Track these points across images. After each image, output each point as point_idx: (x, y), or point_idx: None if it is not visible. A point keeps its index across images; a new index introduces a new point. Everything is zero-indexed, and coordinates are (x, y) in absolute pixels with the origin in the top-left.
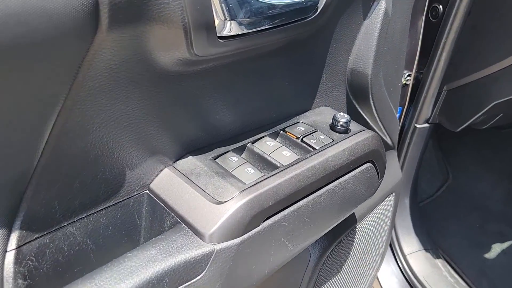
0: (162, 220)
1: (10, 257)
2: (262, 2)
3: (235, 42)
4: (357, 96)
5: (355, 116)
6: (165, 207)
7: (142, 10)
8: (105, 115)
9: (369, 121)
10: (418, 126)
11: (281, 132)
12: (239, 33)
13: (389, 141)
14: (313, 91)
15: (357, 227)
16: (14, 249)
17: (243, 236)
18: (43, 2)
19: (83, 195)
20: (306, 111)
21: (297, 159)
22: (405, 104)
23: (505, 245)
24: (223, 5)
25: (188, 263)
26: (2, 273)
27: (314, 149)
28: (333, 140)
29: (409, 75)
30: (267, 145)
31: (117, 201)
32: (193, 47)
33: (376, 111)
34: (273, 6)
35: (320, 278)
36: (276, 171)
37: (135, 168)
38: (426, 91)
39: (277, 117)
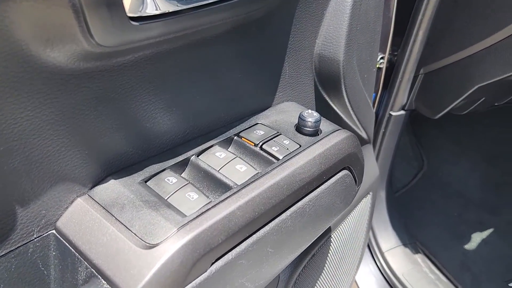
0: (75, 270)
1: None
2: None
3: (158, 25)
4: (327, 87)
5: (325, 110)
6: (77, 254)
7: None
8: None
9: (342, 115)
10: (393, 114)
11: (235, 138)
12: (162, 11)
13: (364, 136)
14: (274, 83)
15: (332, 236)
16: None
17: None
18: None
19: None
20: (266, 109)
21: (255, 175)
22: (378, 90)
23: (485, 234)
24: None
25: None
26: None
27: (277, 159)
28: (300, 146)
29: (382, 58)
30: (217, 158)
31: (8, 250)
32: (92, 34)
33: (349, 103)
34: None
35: None
36: (228, 194)
37: (33, 200)
38: (401, 75)
39: (229, 119)
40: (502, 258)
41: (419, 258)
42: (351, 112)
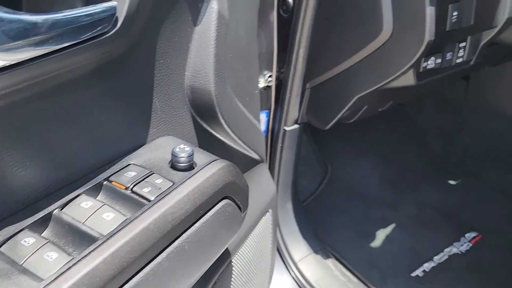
0: None
1: None
2: (17, 19)
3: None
4: (204, 117)
5: (207, 139)
6: None
7: None
8: None
9: (226, 141)
10: (287, 128)
11: (105, 183)
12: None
13: (255, 156)
14: (145, 120)
15: (233, 260)
16: None
17: None
18: None
19: None
20: (140, 147)
21: (123, 222)
22: (271, 107)
23: (388, 230)
24: None
25: None
26: None
27: (149, 200)
28: (173, 183)
29: (270, 76)
30: (83, 208)
31: None
32: None
33: (230, 129)
34: (35, 25)
35: None
36: (92, 247)
37: None
38: (290, 91)
39: (99, 163)
40: (405, 252)
41: (331, 262)
42: (235, 137)
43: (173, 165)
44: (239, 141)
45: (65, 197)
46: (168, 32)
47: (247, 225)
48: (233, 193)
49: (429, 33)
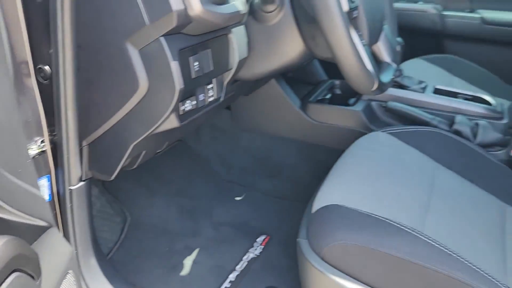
0: None
1: None
2: None
3: None
4: None
5: None
6: None
7: None
8: None
9: (5, 217)
10: (73, 188)
11: None
12: None
13: (42, 223)
14: None
15: None
16: None
17: None
18: None
19: None
20: None
21: None
22: (50, 170)
23: (193, 255)
24: None
25: None
26: None
27: None
28: None
29: (42, 141)
30: None
31: None
32: None
33: (8, 204)
34: None
35: None
36: None
37: None
38: (67, 151)
39: None
40: (211, 270)
41: None
42: (14, 211)
43: None
44: (20, 213)
45: None
46: None
47: None
48: (22, 265)
49: (178, 83)
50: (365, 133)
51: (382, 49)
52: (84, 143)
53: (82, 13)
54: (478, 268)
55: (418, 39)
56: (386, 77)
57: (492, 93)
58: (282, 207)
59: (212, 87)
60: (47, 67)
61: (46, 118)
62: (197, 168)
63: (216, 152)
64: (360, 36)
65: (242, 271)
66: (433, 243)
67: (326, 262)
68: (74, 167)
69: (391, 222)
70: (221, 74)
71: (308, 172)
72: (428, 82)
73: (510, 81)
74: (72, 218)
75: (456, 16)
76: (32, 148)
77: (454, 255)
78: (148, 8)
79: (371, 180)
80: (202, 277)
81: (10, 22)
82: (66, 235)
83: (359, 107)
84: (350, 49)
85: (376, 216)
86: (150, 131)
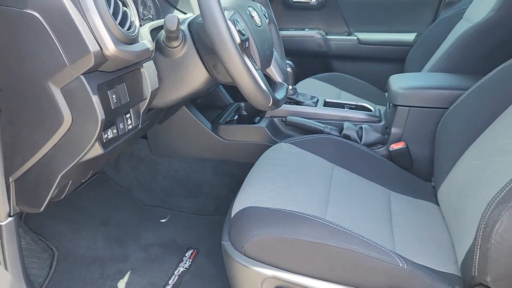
0: None
1: None
2: None
3: None
4: None
5: None
6: None
7: None
8: None
9: None
10: (2, 224)
11: None
12: None
13: None
14: None
15: None
16: None
17: None
18: None
19: None
20: None
21: None
22: None
23: (126, 278)
24: None
25: None
26: None
27: None
28: None
29: None
30: None
31: None
32: None
33: None
34: None
35: None
36: None
37: None
38: None
39: None
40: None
41: None
42: None
43: None
44: None
45: None
46: None
47: None
48: None
49: (100, 114)
50: (271, 146)
51: (274, 72)
52: (11, 179)
53: (2, 57)
54: (371, 241)
55: (309, 61)
56: (280, 94)
57: (372, 101)
58: (205, 222)
59: (130, 116)
60: None
61: None
62: (119, 198)
63: (137, 179)
64: (254, 62)
65: (173, 284)
66: (334, 226)
67: (247, 256)
68: (2, 203)
69: (298, 213)
70: (137, 104)
71: (225, 187)
72: (319, 97)
73: (384, 90)
74: (3, 253)
75: (338, 39)
76: None
77: (351, 233)
78: (67, 51)
79: (279, 183)
80: None
81: None
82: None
83: (263, 123)
84: (246, 74)
85: (285, 210)
86: (77, 159)
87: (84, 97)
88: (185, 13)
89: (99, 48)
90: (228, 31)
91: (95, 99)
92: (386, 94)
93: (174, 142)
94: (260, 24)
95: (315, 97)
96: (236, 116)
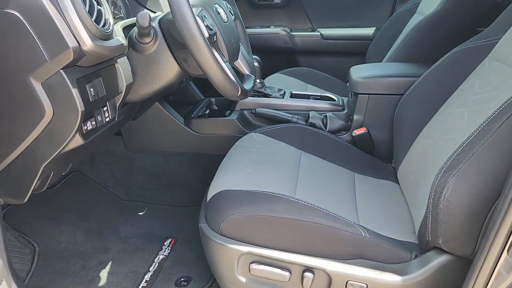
0: None
1: None
2: None
3: None
4: None
5: None
6: None
7: None
8: None
9: None
10: None
11: None
12: None
13: None
14: None
15: None
16: None
17: None
18: None
19: None
20: None
21: None
22: None
23: (107, 267)
24: None
25: None
26: None
27: None
28: None
29: None
30: None
31: None
32: None
33: None
34: None
35: None
36: None
37: None
38: None
39: None
40: (127, 276)
41: None
42: None
43: None
44: None
45: None
46: None
47: None
48: None
49: (80, 106)
50: (242, 137)
51: (242, 64)
52: None
53: None
54: (336, 214)
55: (275, 57)
56: (248, 85)
57: (336, 93)
58: (181, 213)
59: (107, 109)
60: None
61: None
62: (97, 194)
63: (113, 176)
64: (222, 55)
65: (155, 271)
66: (302, 202)
67: (224, 236)
68: None
69: (269, 193)
70: (113, 98)
71: (199, 179)
72: (286, 90)
73: (346, 80)
74: None
75: (302, 35)
76: None
77: (318, 208)
78: (47, 47)
79: (250, 168)
80: (119, 284)
81: None
82: None
83: (233, 116)
84: (215, 65)
85: (257, 191)
86: (59, 150)
87: (65, 90)
88: (154, 12)
89: (77, 44)
90: (196, 26)
91: (75, 92)
92: (348, 84)
93: (148, 138)
94: (226, 20)
95: (282, 89)
96: (208, 111)
